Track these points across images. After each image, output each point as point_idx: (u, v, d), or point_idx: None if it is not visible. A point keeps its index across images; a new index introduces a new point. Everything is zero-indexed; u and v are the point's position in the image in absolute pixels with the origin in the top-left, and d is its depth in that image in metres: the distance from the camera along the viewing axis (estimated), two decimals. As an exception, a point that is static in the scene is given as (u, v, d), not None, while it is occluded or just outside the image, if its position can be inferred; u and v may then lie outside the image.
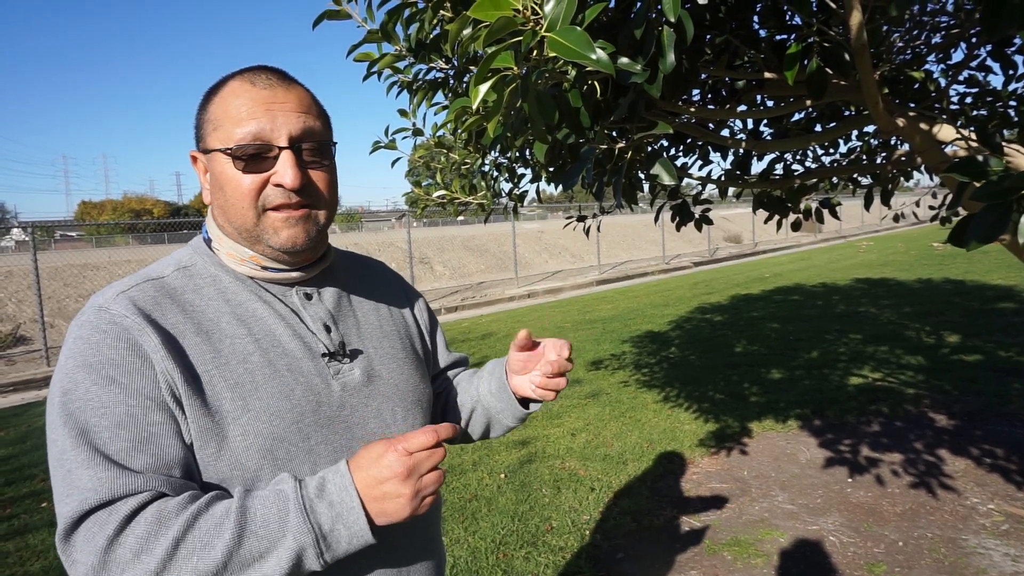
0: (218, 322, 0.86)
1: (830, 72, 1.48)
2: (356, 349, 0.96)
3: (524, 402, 1.08)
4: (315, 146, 0.89)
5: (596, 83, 1.25)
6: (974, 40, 2.23)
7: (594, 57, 0.82)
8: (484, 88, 0.91)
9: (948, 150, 1.72)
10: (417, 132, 2.50)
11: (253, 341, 0.87)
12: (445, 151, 2.89)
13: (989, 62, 2.35)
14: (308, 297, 0.94)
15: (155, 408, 0.78)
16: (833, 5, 1.43)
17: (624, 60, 1.12)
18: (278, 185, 0.86)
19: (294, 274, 0.93)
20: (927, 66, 2.35)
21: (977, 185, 1.07)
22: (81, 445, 0.73)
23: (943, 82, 2.34)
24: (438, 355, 1.18)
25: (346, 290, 1.01)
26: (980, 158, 1.13)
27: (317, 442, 0.87)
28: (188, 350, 0.82)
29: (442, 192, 2.79)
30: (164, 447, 0.77)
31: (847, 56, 1.44)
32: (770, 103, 2.28)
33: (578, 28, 0.83)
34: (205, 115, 0.89)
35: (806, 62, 1.42)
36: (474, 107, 0.90)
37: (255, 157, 0.85)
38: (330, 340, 0.93)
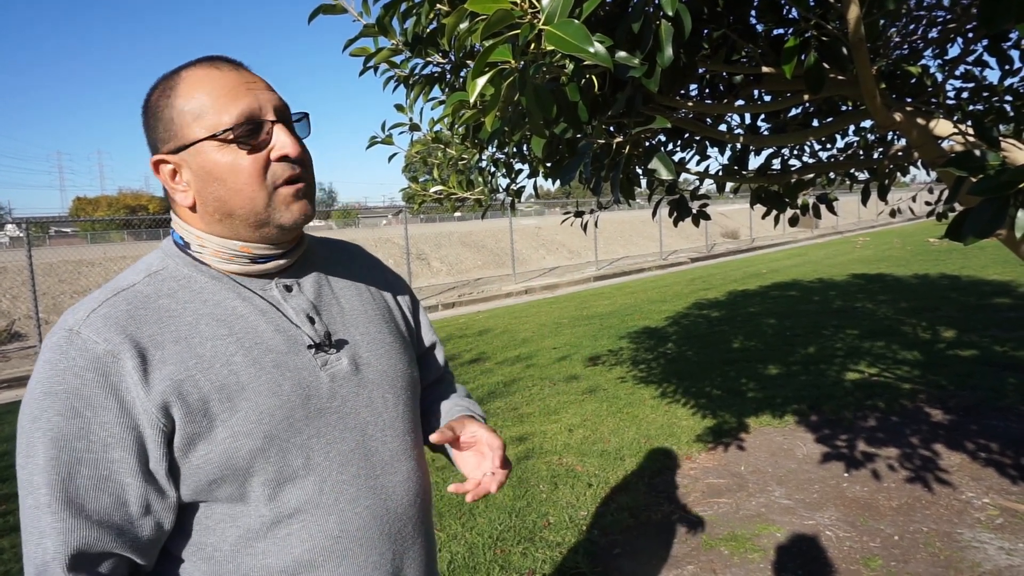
0: (197, 325, 0.83)
1: (828, 67, 1.47)
2: (342, 339, 0.94)
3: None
4: (295, 120, 0.89)
5: (594, 77, 1.25)
6: (970, 35, 2.23)
7: (592, 50, 0.81)
8: (482, 82, 0.91)
9: (945, 145, 1.72)
10: (414, 127, 2.49)
11: (235, 341, 0.84)
12: (442, 146, 2.88)
13: (986, 57, 2.35)
14: (288, 289, 0.92)
15: (116, 445, 0.77)
16: (831, -1, 1.43)
17: (622, 54, 1.12)
18: (281, 158, 0.85)
19: (281, 261, 0.91)
20: (923, 61, 2.35)
21: (974, 180, 1.07)
22: (46, 484, 0.75)
23: (940, 77, 2.35)
24: (421, 335, 1.17)
25: (326, 277, 0.98)
26: (977, 153, 1.13)
27: (310, 436, 0.86)
28: (168, 360, 0.80)
29: (439, 187, 2.79)
30: (122, 486, 0.78)
31: (845, 50, 1.43)
32: (767, 98, 2.28)
33: (576, 21, 0.82)
34: (171, 112, 0.84)
35: (804, 57, 1.41)
36: (472, 101, 0.90)
37: (253, 135, 0.83)
38: (315, 331, 0.91)
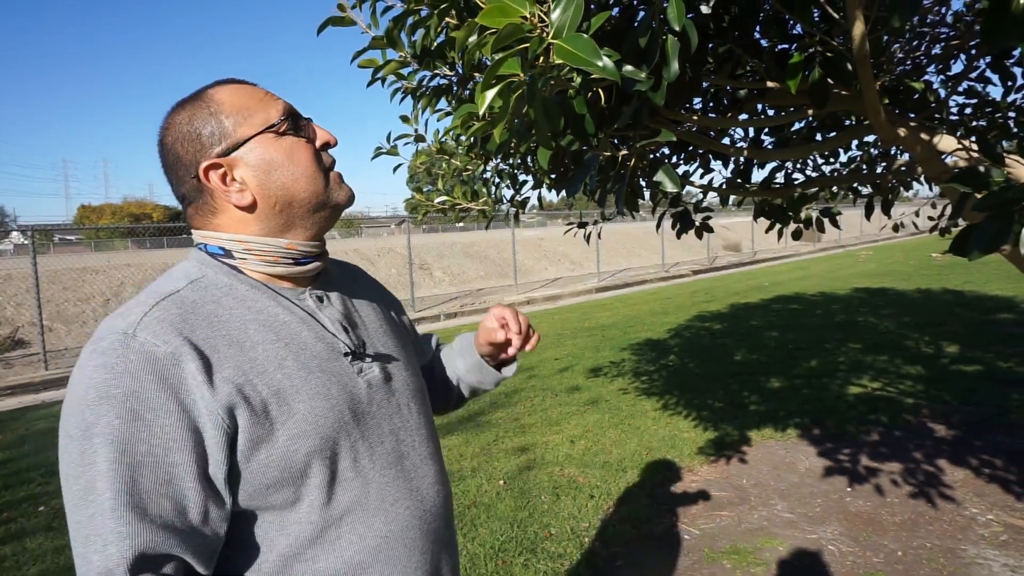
0: (246, 330, 0.85)
1: (832, 82, 1.48)
2: (372, 347, 0.98)
3: (498, 366, 1.22)
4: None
5: (600, 90, 1.26)
6: (973, 51, 2.25)
7: (600, 64, 0.82)
8: (491, 94, 0.92)
9: (948, 160, 1.73)
10: (419, 138, 2.51)
11: (283, 346, 0.86)
12: (447, 157, 2.90)
13: (988, 73, 2.36)
14: (321, 300, 0.95)
15: (177, 448, 0.76)
16: (835, 15, 1.44)
17: (629, 68, 1.13)
18: (324, 146, 0.93)
19: (318, 263, 0.95)
20: (927, 77, 2.36)
21: (978, 196, 1.07)
22: (110, 488, 0.73)
23: (943, 93, 2.36)
24: (421, 348, 1.25)
25: (345, 293, 1.02)
26: (982, 169, 1.13)
27: (356, 439, 0.89)
28: (225, 363, 0.81)
29: (444, 198, 2.80)
30: (184, 490, 0.76)
31: (849, 66, 1.45)
32: (771, 112, 2.29)
33: (585, 35, 0.84)
34: (214, 120, 0.88)
35: (808, 72, 1.43)
36: (480, 113, 0.91)
37: (300, 127, 0.91)
38: (350, 340, 0.94)
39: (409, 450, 0.98)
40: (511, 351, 1.15)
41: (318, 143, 0.92)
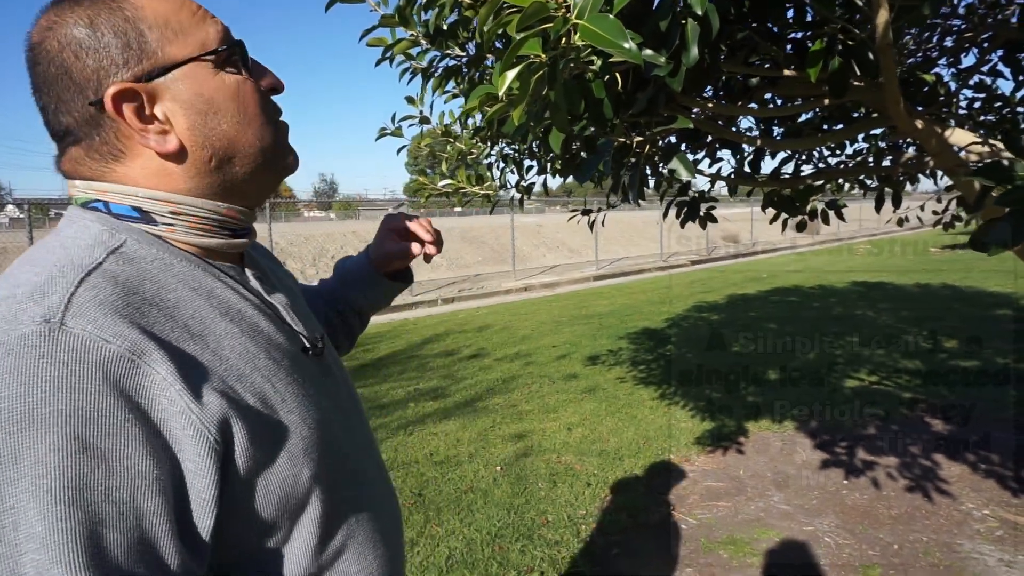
0: (202, 319, 0.62)
1: (854, 72, 1.46)
2: (324, 341, 0.81)
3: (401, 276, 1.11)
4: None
5: (618, 75, 1.24)
6: (986, 44, 2.22)
7: (626, 46, 0.80)
8: (511, 75, 0.89)
9: (961, 154, 1.71)
10: (424, 120, 2.48)
11: (248, 339, 0.65)
12: (451, 140, 2.87)
13: (1000, 67, 2.33)
14: (262, 281, 0.73)
15: (148, 490, 0.52)
16: (858, 2, 1.42)
17: (648, 52, 1.11)
18: (271, 91, 0.71)
19: (247, 239, 0.73)
20: (936, 69, 2.33)
21: (995, 194, 1.06)
22: (56, 561, 0.47)
23: (953, 86, 2.34)
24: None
25: (271, 273, 0.81)
26: (1005, 162, 1.12)
27: (345, 457, 0.73)
28: (199, 364, 0.59)
29: (447, 181, 2.77)
30: (162, 549, 0.53)
31: (870, 55, 1.42)
32: (779, 101, 2.26)
33: (611, 16, 0.81)
34: (130, 27, 0.61)
35: (827, 61, 1.40)
36: (500, 94, 0.88)
37: (244, 60, 0.68)
38: (306, 331, 0.75)
39: (375, 464, 0.82)
40: (425, 259, 1.05)
41: (263, 84, 0.69)
